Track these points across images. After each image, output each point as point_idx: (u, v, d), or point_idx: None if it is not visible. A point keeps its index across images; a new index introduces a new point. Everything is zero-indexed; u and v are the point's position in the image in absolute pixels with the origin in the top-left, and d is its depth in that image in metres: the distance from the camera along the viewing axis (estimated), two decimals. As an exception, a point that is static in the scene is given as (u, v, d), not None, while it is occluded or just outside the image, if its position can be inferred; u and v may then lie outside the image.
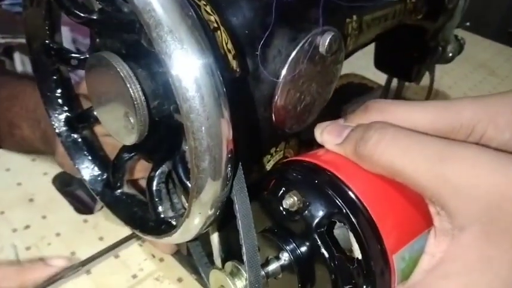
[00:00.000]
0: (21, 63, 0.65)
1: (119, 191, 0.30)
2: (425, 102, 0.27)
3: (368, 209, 0.24)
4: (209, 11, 0.22)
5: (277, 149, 0.34)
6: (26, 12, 0.27)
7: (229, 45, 0.23)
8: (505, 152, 0.22)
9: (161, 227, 0.27)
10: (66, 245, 0.39)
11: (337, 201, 0.24)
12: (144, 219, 0.29)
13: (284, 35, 0.27)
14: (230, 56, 0.23)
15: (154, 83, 0.24)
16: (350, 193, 0.24)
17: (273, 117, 0.30)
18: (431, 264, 0.23)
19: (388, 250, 0.23)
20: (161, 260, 0.39)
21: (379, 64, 0.53)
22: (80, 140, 0.32)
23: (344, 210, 0.23)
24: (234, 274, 0.25)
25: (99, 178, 0.31)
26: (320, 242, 0.24)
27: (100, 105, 0.26)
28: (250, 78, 0.27)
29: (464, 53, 0.82)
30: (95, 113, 0.28)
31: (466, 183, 0.21)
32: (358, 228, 0.23)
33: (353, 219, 0.23)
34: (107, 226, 0.41)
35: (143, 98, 0.24)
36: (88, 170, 0.31)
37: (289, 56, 0.28)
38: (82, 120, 0.31)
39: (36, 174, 0.45)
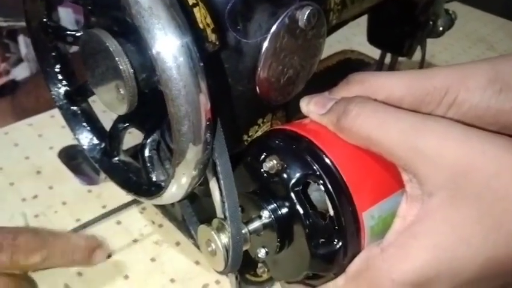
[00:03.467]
0: (25, 45, 0.67)
1: (116, 158, 0.33)
2: (402, 71, 0.29)
3: (339, 170, 0.26)
4: (188, -14, 0.24)
5: (265, 120, 0.36)
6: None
7: (208, 20, 0.25)
8: (473, 127, 0.24)
9: (153, 190, 0.29)
10: (71, 213, 0.42)
11: (311, 164, 0.26)
12: (138, 184, 0.31)
13: (264, 10, 0.29)
14: (209, 30, 0.25)
15: (142, 56, 0.26)
16: (324, 156, 0.26)
17: (257, 89, 0.32)
18: (402, 227, 0.25)
19: (358, 208, 0.25)
20: (160, 225, 0.42)
21: (372, 39, 0.55)
22: (79, 112, 0.34)
23: (318, 172, 0.26)
24: (219, 229, 0.27)
25: (97, 147, 0.34)
26: (296, 200, 0.26)
27: (94, 79, 0.28)
28: (233, 52, 0.29)
29: (464, 28, 0.83)
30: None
31: (436, 153, 0.23)
32: (330, 187, 0.25)
33: (325, 179, 0.25)
34: (109, 195, 0.43)
35: (132, 71, 0.26)
36: (86, 140, 0.34)
37: (269, 29, 0.29)
38: (80, 93, 0.33)
39: (43, 148, 0.48)
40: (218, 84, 0.30)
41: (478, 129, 0.24)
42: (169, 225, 0.42)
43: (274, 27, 0.29)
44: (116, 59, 0.25)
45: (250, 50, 0.29)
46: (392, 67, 0.59)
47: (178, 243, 0.40)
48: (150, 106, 0.29)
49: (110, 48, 0.25)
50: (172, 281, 0.38)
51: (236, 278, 0.33)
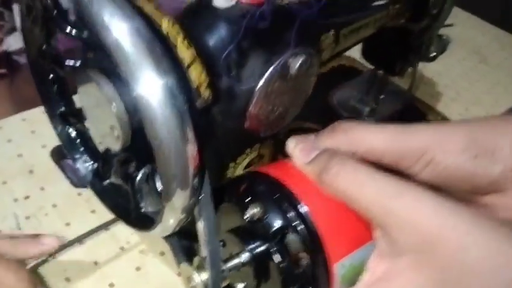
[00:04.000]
0: (20, 15, 0.66)
1: (107, 181, 0.34)
2: (385, 126, 0.31)
3: (316, 223, 0.27)
4: (186, 46, 0.25)
5: (252, 149, 0.37)
6: (24, 25, 0.30)
7: (203, 77, 0.26)
8: (449, 197, 0.26)
9: (141, 221, 0.31)
10: (61, 216, 0.44)
11: (290, 216, 0.28)
12: (128, 210, 0.32)
13: (258, 58, 0.30)
14: (203, 87, 0.26)
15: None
16: (303, 209, 0.28)
17: (246, 126, 0.33)
18: (370, 281, 0.27)
19: (330, 259, 0.27)
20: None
21: (365, 55, 0.56)
22: (74, 133, 0.35)
23: (295, 224, 0.27)
24: (200, 267, 0.29)
25: (89, 168, 0.35)
26: (273, 248, 0.28)
27: (90, 114, 0.29)
28: (225, 95, 0.30)
29: (462, 36, 0.83)
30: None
31: (409, 218, 0.25)
32: (306, 240, 0.27)
33: (302, 232, 0.27)
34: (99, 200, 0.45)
35: (127, 115, 0.27)
36: (80, 161, 0.35)
37: (262, 76, 0.30)
38: (75, 115, 0.34)
39: (36, 146, 0.49)
40: (207, 121, 0.32)
41: (451, 199, 0.26)
42: (155, 234, 0.44)
43: (266, 74, 0.30)
44: (113, 104, 0.26)
45: (242, 93, 0.30)
46: (385, 79, 0.60)
47: (162, 253, 0.42)
48: (144, 142, 0.30)
49: (107, 95, 0.26)
50: (156, 291, 0.40)
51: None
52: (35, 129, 0.51)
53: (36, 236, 0.38)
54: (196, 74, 0.25)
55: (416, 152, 0.29)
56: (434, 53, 0.52)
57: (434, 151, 0.29)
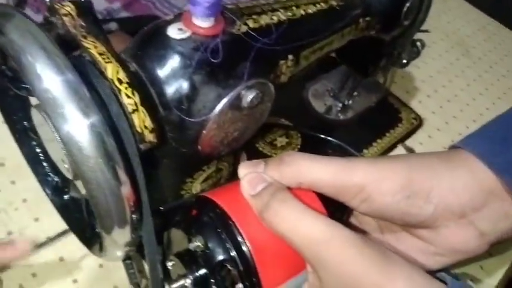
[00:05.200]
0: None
1: (66, 196, 0.36)
2: (329, 160, 0.32)
3: (253, 256, 0.29)
4: (129, 94, 0.26)
5: (210, 166, 0.38)
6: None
7: (147, 123, 0.27)
8: (374, 244, 0.28)
9: (93, 241, 0.33)
10: (31, 211, 0.46)
11: (230, 251, 0.29)
12: (83, 227, 0.34)
13: (210, 92, 0.31)
14: (147, 132, 0.27)
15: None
16: (243, 243, 0.30)
17: (200, 150, 0.34)
18: None
19: (265, 289, 0.30)
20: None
21: (339, 56, 0.56)
22: (36, 146, 0.36)
23: (233, 257, 0.29)
24: (146, 289, 0.31)
25: (50, 181, 0.36)
26: (212, 279, 0.30)
27: (47, 140, 0.30)
28: (176, 126, 0.31)
29: (448, 26, 0.83)
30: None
31: (333, 266, 0.27)
32: (242, 272, 0.29)
33: (239, 266, 0.29)
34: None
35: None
36: (41, 175, 0.36)
37: (213, 109, 0.31)
38: (34, 131, 0.35)
39: (7, 139, 0.50)
40: (159, 147, 0.33)
41: (375, 246, 0.28)
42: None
43: (218, 107, 0.31)
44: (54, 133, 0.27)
45: (193, 125, 0.31)
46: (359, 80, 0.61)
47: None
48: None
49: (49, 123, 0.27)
50: (116, 288, 0.43)
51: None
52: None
53: (8, 242, 0.40)
54: (139, 122, 0.26)
55: (353, 189, 0.31)
56: (405, 60, 0.52)
57: (370, 190, 0.30)
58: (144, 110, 0.26)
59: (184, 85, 0.30)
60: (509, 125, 0.32)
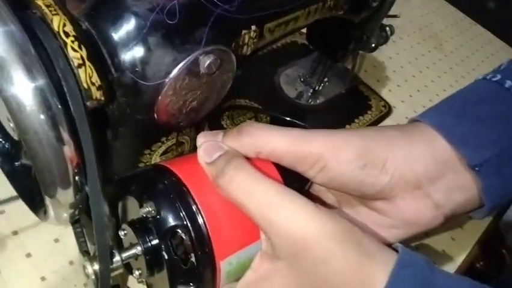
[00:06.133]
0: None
1: (17, 162, 0.34)
2: (288, 130, 0.32)
3: (207, 224, 0.29)
4: (76, 47, 0.25)
5: (169, 138, 0.37)
6: None
7: (94, 78, 0.26)
8: (327, 211, 0.27)
9: (43, 207, 0.31)
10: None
11: (182, 217, 0.29)
12: (33, 194, 0.33)
13: (165, 55, 0.30)
14: (94, 88, 0.26)
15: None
16: (195, 209, 0.29)
17: (157, 119, 0.33)
18: (252, 279, 0.29)
19: (217, 258, 0.29)
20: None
21: (309, 40, 0.56)
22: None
23: (186, 224, 0.29)
24: (95, 257, 0.30)
25: (0, 148, 0.35)
26: (163, 245, 0.29)
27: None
28: (130, 90, 0.30)
29: (420, 20, 0.83)
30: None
31: (285, 230, 0.27)
32: (194, 240, 0.29)
33: (191, 232, 0.28)
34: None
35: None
36: (-9, 139, 0.35)
37: (169, 73, 0.30)
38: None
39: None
40: (113, 112, 0.32)
41: (327, 213, 0.27)
42: (79, 206, 0.44)
43: (174, 72, 0.30)
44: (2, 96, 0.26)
45: (148, 89, 0.30)
46: (330, 62, 0.60)
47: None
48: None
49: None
50: (71, 263, 0.41)
51: None
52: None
53: None
54: (85, 77, 0.25)
55: (310, 158, 0.30)
56: (374, 44, 0.52)
57: (327, 159, 0.30)
58: (91, 66, 0.26)
59: (138, 47, 0.29)
60: (467, 99, 0.32)
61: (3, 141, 0.35)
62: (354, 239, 0.26)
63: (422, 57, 0.76)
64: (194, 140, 0.41)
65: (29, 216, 0.39)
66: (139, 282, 0.34)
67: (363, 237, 0.27)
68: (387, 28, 0.53)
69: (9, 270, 0.40)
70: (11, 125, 0.28)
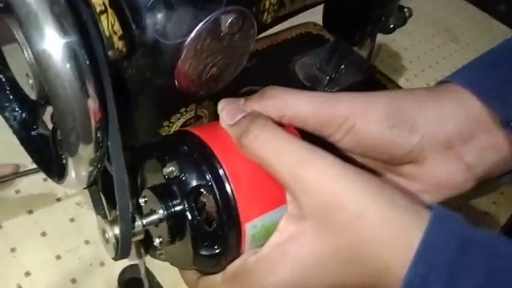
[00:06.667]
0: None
1: (34, 131, 0.34)
2: (312, 93, 0.31)
3: (231, 184, 0.28)
4: (98, -8, 0.24)
5: (188, 109, 0.37)
6: None
7: (116, 27, 0.25)
8: (356, 168, 0.26)
9: (62, 172, 0.31)
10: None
11: (206, 176, 0.28)
12: (50, 161, 0.32)
13: (186, 13, 0.29)
14: (116, 38, 0.25)
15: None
16: (220, 169, 0.28)
17: (176, 84, 0.32)
18: (278, 241, 0.28)
19: (242, 220, 0.28)
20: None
21: (325, 25, 0.55)
22: (3, 79, 0.34)
23: (210, 184, 0.27)
24: (114, 221, 0.29)
25: (17, 116, 0.34)
26: (187, 206, 0.28)
27: (11, 60, 0.29)
28: (151, 49, 0.30)
29: (433, 14, 0.83)
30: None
31: (313, 187, 0.26)
32: (219, 200, 0.27)
33: (216, 192, 0.27)
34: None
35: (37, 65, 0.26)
36: (7, 108, 0.34)
37: (190, 32, 0.30)
38: (3, 62, 0.33)
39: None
40: (133, 76, 0.31)
41: (358, 170, 0.26)
42: (94, 187, 0.44)
43: (195, 31, 0.30)
44: (24, 50, 0.25)
45: (169, 49, 0.30)
46: (347, 50, 0.60)
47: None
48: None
49: (20, 40, 0.25)
50: (87, 242, 0.40)
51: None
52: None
53: None
54: (107, 24, 0.25)
55: (338, 119, 0.29)
56: (392, 25, 0.51)
57: (355, 119, 0.29)
58: (113, 13, 0.25)
59: (159, 3, 0.28)
60: (498, 57, 0.31)
61: (20, 110, 0.35)
62: (386, 193, 0.25)
63: (438, 49, 0.75)
64: (212, 115, 0.40)
65: (44, 196, 0.39)
66: (159, 254, 0.33)
67: (394, 192, 0.25)
68: (406, 9, 0.52)
69: (25, 247, 0.39)
70: (31, 81, 0.27)
